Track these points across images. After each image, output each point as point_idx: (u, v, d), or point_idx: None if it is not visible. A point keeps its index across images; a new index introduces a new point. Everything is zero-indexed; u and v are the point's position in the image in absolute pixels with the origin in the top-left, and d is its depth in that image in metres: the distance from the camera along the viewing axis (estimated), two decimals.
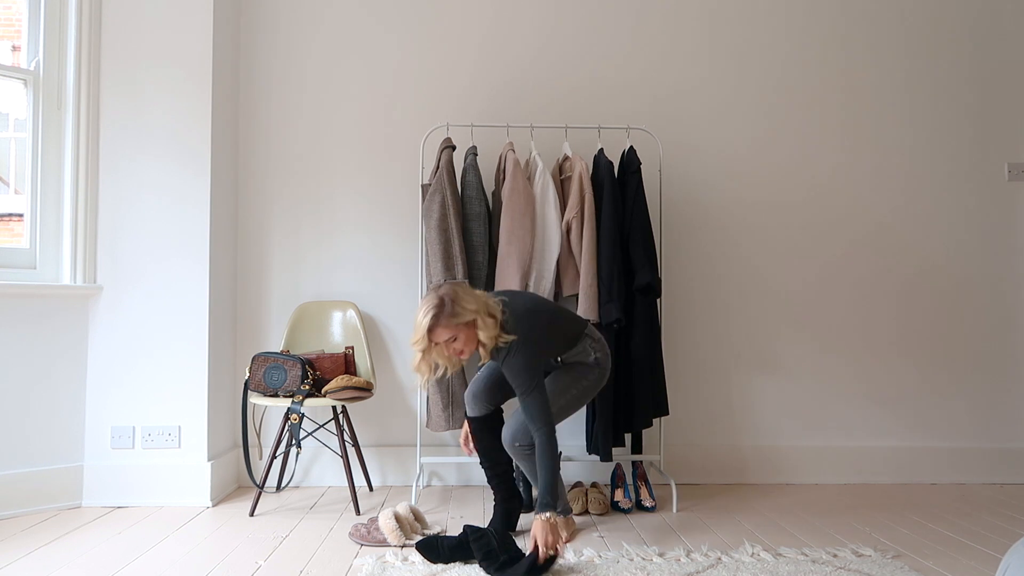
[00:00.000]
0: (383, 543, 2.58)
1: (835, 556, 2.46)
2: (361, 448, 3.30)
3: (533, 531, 2.33)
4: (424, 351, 2.42)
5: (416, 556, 2.41)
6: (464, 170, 3.17)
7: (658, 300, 3.18)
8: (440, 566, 2.35)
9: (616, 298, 3.00)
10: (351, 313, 3.37)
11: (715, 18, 3.59)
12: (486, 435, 2.73)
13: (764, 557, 2.44)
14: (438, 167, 3.11)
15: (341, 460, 3.09)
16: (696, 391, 3.52)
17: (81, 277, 3.07)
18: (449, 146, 3.13)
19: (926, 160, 3.63)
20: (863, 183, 3.60)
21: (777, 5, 3.61)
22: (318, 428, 3.23)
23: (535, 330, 2.48)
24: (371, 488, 3.34)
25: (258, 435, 3.36)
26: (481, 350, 2.45)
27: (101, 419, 3.08)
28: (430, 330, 2.37)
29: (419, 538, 2.60)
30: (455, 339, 2.40)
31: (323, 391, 3.00)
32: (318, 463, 3.41)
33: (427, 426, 3.18)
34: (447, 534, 2.60)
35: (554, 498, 2.38)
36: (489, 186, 3.27)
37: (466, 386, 3.17)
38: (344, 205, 3.49)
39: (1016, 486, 3.49)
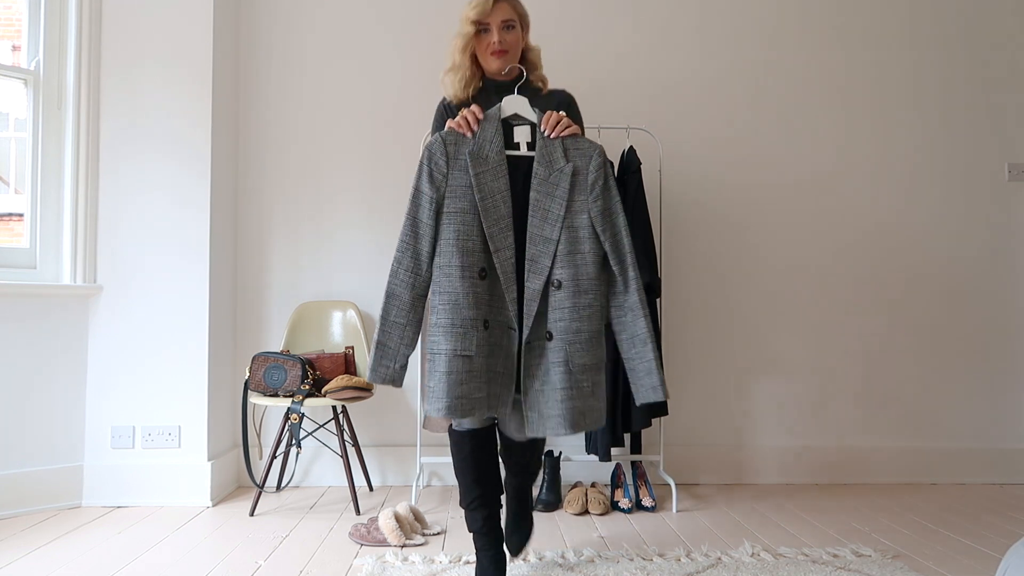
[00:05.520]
0: (383, 543, 2.58)
1: (835, 556, 2.46)
2: (361, 448, 3.30)
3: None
4: (477, 23, 2.20)
5: (416, 555, 2.41)
6: None
7: (658, 300, 3.18)
8: (440, 566, 2.35)
9: None
10: (351, 313, 3.37)
11: (716, 17, 3.59)
12: (487, 454, 2.17)
13: (764, 557, 2.44)
14: None
15: (341, 460, 3.09)
16: (696, 391, 3.52)
17: (81, 277, 3.07)
18: None
19: (926, 160, 3.63)
20: (863, 183, 3.60)
21: (777, 5, 3.61)
22: (318, 428, 3.23)
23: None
24: (371, 488, 3.34)
25: (258, 435, 3.37)
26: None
27: (101, 419, 3.08)
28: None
29: (419, 538, 2.61)
30: (512, 27, 2.22)
31: (323, 391, 3.00)
32: (318, 463, 3.41)
33: (424, 426, 3.17)
34: None
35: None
36: None
37: None
38: (344, 205, 3.49)
39: (1016, 486, 3.49)
